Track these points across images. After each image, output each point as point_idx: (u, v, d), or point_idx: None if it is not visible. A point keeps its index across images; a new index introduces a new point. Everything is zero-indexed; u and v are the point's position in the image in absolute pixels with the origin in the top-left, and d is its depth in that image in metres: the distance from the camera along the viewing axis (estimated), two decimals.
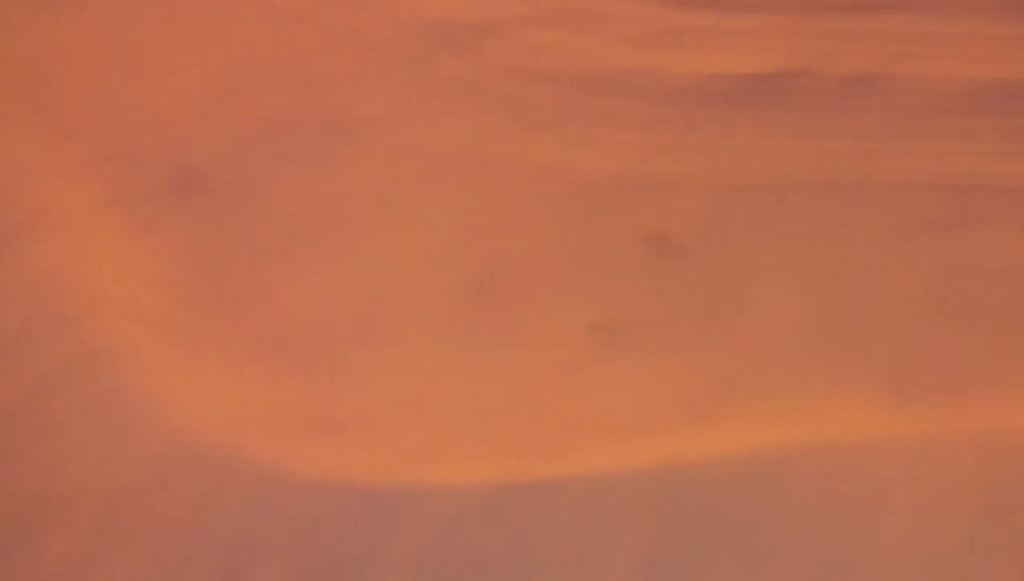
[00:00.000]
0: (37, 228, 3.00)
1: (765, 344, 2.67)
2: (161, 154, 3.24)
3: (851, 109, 3.20)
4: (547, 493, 2.32)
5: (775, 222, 3.00)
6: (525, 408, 2.63)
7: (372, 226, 3.06)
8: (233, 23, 3.43)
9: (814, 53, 3.33)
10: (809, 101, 3.24)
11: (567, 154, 3.13)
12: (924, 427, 2.43)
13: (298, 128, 3.28)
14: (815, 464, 2.35)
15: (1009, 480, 2.31)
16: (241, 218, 3.15)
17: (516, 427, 2.57)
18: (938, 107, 3.13)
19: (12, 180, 3.12)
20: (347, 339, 2.81)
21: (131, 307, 2.84)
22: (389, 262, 3.03)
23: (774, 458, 2.37)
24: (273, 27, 3.42)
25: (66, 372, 2.65)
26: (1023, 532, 2.20)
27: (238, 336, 2.83)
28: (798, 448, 2.39)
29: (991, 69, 3.20)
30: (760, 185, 3.08)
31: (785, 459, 2.36)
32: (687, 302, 2.78)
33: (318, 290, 2.92)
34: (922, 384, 2.55)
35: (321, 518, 2.34)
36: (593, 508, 2.30)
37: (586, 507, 2.30)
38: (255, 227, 3.13)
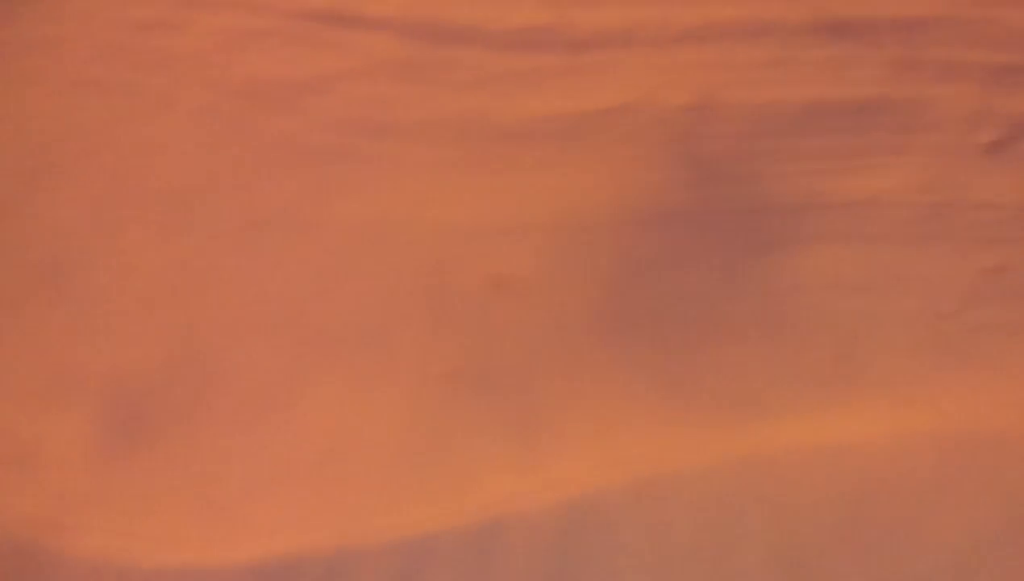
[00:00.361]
0: None
1: (601, 380, 2.66)
2: None
3: (684, 138, 3.24)
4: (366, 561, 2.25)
5: (621, 257, 3.00)
6: (372, 462, 2.57)
7: (208, 289, 2.97)
8: (50, 96, 3.30)
9: (642, 87, 3.37)
10: (643, 133, 3.27)
11: (405, 204, 3.09)
12: (755, 449, 2.44)
13: (127, 200, 3.16)
14: (658, 495, 2.33)
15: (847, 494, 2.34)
16: (72, 284, 3.03)
17: (362, 486, 2.50)
18: (763, 131, 3.19)
19: None
20: (159, 401, 2.71)
21: None
22: (228, 320, 2.94)
23: (611, 498, 2.35)
24: (94, 99, 3.30)
25: None
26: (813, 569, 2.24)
27: None
28: (634, 485, 2.37)
29: (810, 91, 3.29)
30: (601, 220, 3.08)
31: (622, 495, 2.34)
32: (532, 346, 2.75)
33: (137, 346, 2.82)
34: (758, 405, 2.56)
35: None
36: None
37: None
38: (86, 299, 3.01)
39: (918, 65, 3.33)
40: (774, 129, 3.21)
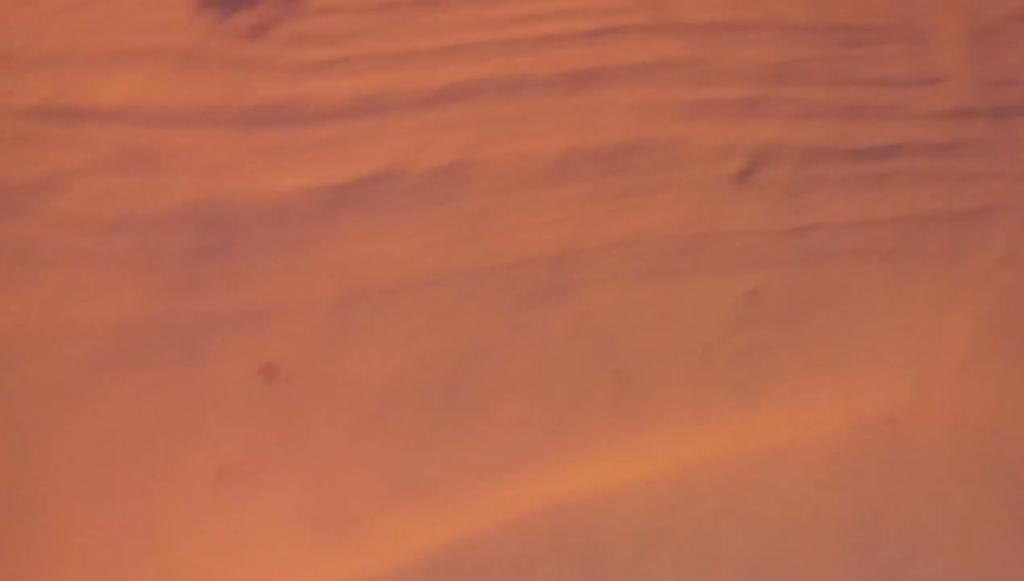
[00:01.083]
0: None
1: (404, 448, 2.56)
2: None
3: (445, 199, 3.20)
4: None
5: (392, 325, 2.91)
6: (148, 565, 2.38)
7: None
8: None
9: (399, 152, 3.33)
10: (405, 199, 3.21)
11: (156, 300, 2.91)
12: (542, 499, 2.40)
13: None
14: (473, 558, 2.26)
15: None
16: None
17: None
18: (522, 184, 3.20)
19: None
20: None
21: None
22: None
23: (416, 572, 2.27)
24: None
25: None
26: None
27: None
28: (446, 549, 2.29)
29: (564, 140, 3.32)
30: (371, 291, 2.99)
31: (435, 565, 2.25)
32: (303, 433, 2.62)
33: None
34: (542, 459, 2.52)
35: None
36: None
37: None
38: None
39: (664, 106, 3.43)
40: (532, 181, 3.22)
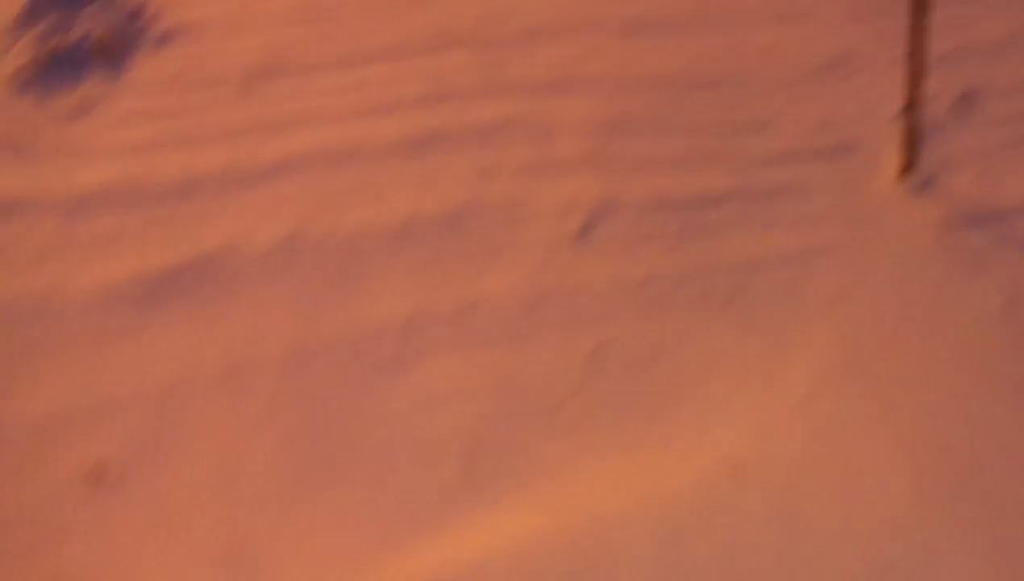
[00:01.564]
0: None
1: (243, 545, 2.44)
2: None
3: (282, 277, 3.11)
4: None
5: (227, 414, 2.79)
6: None
7: None
8: None
9: (232, 231, 3.23)
10: (239, 279, 3.11)
11: None
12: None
13: None
14: None
15: None
16: None
17: None
18: (362, 253, 3.14)
19: None
20: None
21: None
22: None
23: None
24: None
25: None
26: None
27: None
28: None
29: (403, 206, 3.29)
30: (205, 379, 2.87)
31: None
32: (136, 540, 2.47)
33: None
34: (388, 540, 2.44)
35: None
36: None
37: None
38: None
39: (501, 167, 3.43)
40: (371, 252, 3.16)
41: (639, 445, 2.63)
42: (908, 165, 3.18)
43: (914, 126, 3.12)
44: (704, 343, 2.81)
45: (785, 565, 2.25)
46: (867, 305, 2.82)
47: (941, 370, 2.62)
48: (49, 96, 3.81)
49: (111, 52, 3.86)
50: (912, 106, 3.08)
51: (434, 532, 2.50)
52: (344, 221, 3.25)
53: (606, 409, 2.71)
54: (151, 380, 2.87)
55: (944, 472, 2.40)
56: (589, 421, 2.68)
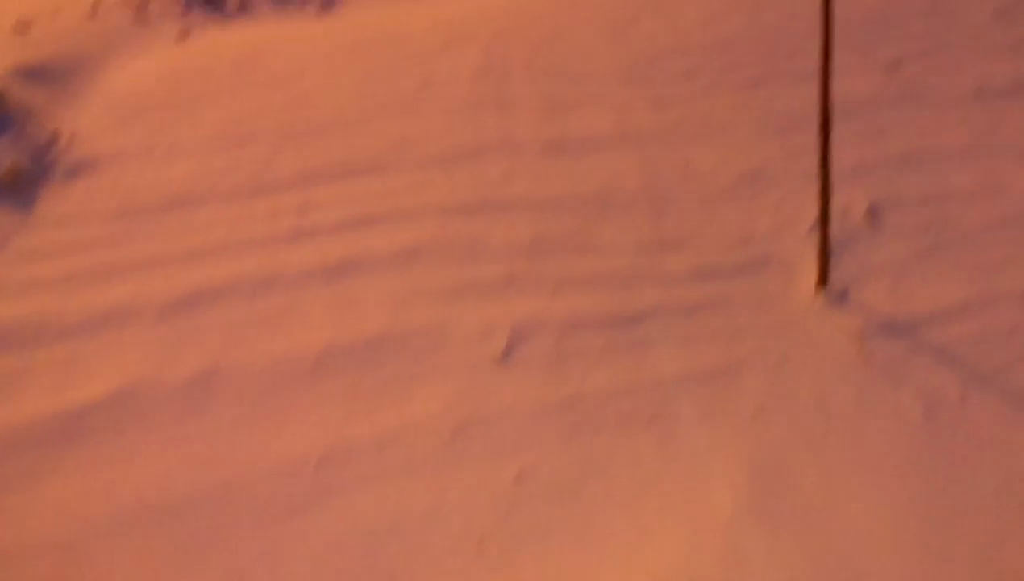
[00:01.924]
0: None
1: None
2: None
3: (195, 413, 3.01)
4: None
5: (136, 563, 2.66)
6: None
7: None
8: None
9: (143, 366, 3.14)
10: (151, 417, 3.01)
11: None
12: None
13: None
14: None
15: None
16: None
17: None
18: (279, 387, 3.06)
19: None
20: None
21: None
22: None
23: None
24: None
25: None
26: None
27: None
28: None
29: (321, 336, 3.23)
30: (114, 523, 2.74)
31: None
32: None
33: None
34: None
35: None
36: None
37: None
38: None
39: (421, 291, 3.41)
40: (288, 383, 3.09)
41: (568, 572, 2.55)
42: (823, 277, 3.22)
43: (827, 239, 3.17)
44: (629, 465, 2.77)
45: None
46: (789, 420, 2.80)
47: (863, 483, 2.60)
48: None
49: (21, 185, 3.80)
50: (824, 220, 3.14)
51: None
52: (261, 353, 3.17)
53: (533, 536, 2.63)
54: (59, 526, 2.73)
55: None
56: (517, 550, 2.59)
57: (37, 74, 4.81)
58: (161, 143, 4.14)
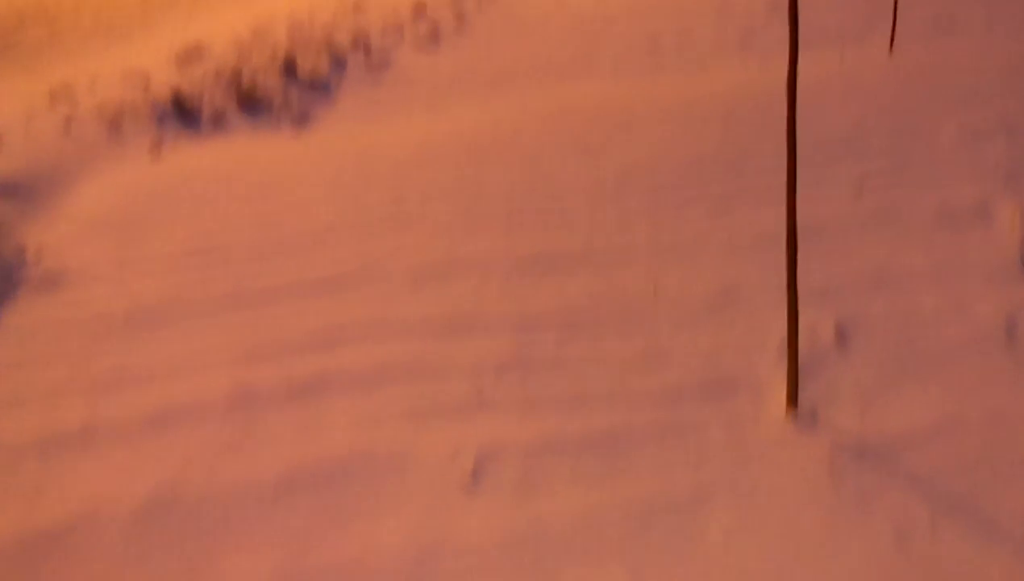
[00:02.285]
0: None
1: None
2: None
3: (152, 540, 2.91)
4: None
5: None
6: None
7: None
8: None
9: (98, 491, 3.04)
10: (105, 544, 2.90)
11: None
12: None
13: None
14: None
15: None
16: None
17: None
18: (239, 512, 2.97)
19: None
20: None
21: None
22: None
23: None
24: None
25: None
26: None
27: None
28: None
29: (283, 458, 3.16)
30: None
31: None
32: None
33: None
34: None
35: None
36: None
37: None
38: None
39: (387, 413, 3.35)
40: (249, 508, 3.00)
41: None
42: (793, 398, 3.19)
43: (796, 360, 3.16)
44: None
45: None
46: (759, 547, 2.74)
47: None
48: None
49: None
50: (792, 340, 3.13)
51: None
52: (221, 476, 3.09)
53: None
54: None
55: None
56: None
57: (6, 188, 4.81)
58: (130, 258, 4.12)
